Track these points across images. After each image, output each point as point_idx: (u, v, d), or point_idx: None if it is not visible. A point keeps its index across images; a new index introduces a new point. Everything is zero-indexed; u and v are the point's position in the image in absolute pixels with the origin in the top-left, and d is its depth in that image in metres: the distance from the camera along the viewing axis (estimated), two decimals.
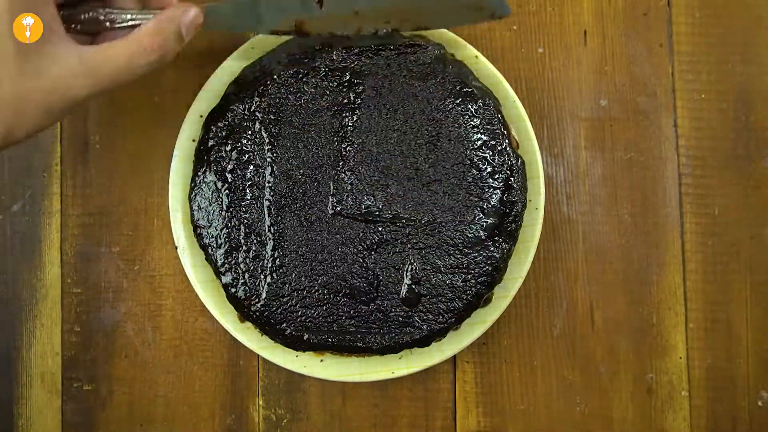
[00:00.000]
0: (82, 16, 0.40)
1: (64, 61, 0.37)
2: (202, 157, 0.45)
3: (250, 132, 0.45)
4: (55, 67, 0.36)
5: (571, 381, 0.49)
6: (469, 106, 0.44)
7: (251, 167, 0.45)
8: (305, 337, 0.43)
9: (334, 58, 0.45)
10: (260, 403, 0.49)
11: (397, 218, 0.44)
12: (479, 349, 0.49)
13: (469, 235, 0.44)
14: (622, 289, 0.50)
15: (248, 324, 0.45)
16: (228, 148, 0.45)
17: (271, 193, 0.44)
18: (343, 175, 0.44)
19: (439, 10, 0.44)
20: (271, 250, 0.44)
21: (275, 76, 0.45)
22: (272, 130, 0.45)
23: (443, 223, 0.44)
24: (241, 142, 0.45)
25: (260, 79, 0.45)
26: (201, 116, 0.47)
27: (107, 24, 0.40)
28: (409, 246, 0.44)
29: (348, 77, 0.45)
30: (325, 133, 0.45)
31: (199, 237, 0.45)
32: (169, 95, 0.50)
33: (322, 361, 0.46)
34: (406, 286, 0.43)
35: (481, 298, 0.44)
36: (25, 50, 0.36)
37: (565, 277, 0.50)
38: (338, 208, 0.44)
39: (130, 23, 0.40)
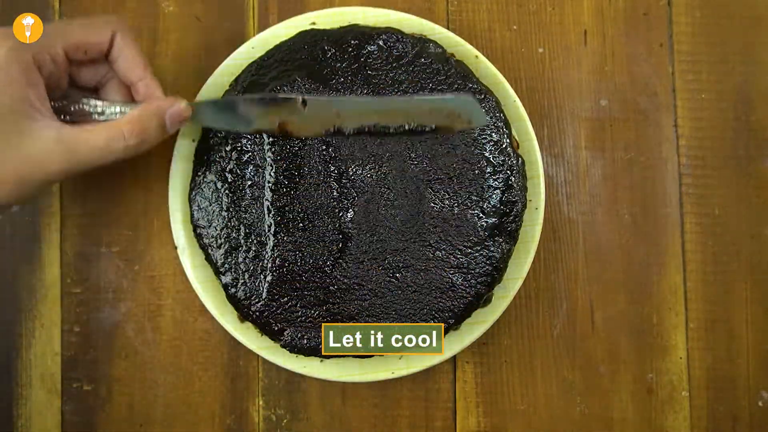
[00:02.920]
0: (72, 107, 0.41)
1: (42, 137, 0.37)
2: (202, 157, 0.45)
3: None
4: (32, 143, 0.37)
5: (571, 381, 0.49)
6: None
7: (251, 167, 0.45)
8: (305, 341, 0.43)
9: (335, 56, 0.45)
10: (260, 403, 0.49)
11: (397, 216, 0.44)
12: (479, 349, 0.49)
13: (470, 235, 0.44)
14: (622, 289, 0.50)
15: (248, 324, 0.45)
16: (228, 148, 0.45)
17: (271, 193, 0.44)
18: (344, 174, 0.44)
19: (419, 114, 0.43)
20: (271, 250, 0.44)
21: (276, 75, 0.45)
22: None
23: (443, 223, 0.44)
24: (241, 142, 0.45)
25: (260, 79, 0.45)
26: None
27: (95, 116, 0.41)
28: (410, 245, 0.44)
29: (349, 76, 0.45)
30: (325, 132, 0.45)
31: (199, 237, 0.45)
32: (169, 95, 0.50)
33: (322, 361, 0.45)
34: (406, 286, 0.44)
35: (481, 298, 0.44)
36: (7, 125, 0.36)
37: (565, 277, 0.50)
38: (339, 208, 0.44)
39: (118, 116, 0.41)
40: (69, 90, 0.42)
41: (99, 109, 0.41)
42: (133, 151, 0.40)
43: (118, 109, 0.41)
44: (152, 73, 0.42)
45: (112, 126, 0.39)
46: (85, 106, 0.41)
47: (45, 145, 0.37)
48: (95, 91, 0.43)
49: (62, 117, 0.40)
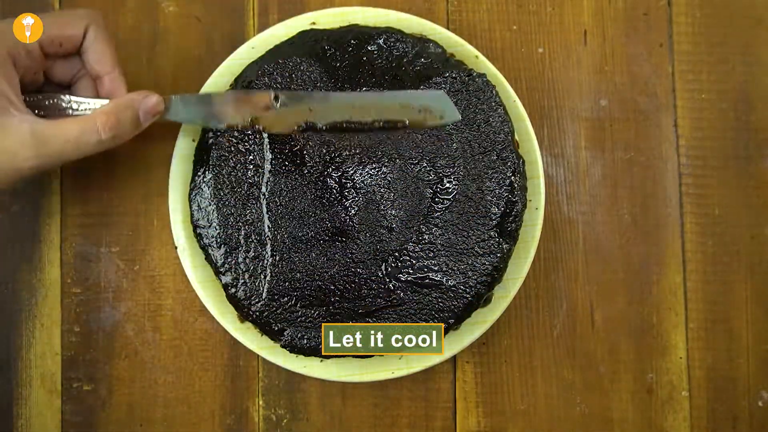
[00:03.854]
0: (46, 102, 0.40)
1: (16, 131, 0.37)
2: (202, 157, 0.45)
3: (250, 132, 0.45)
4: (6, 137, 0.37)
5: (571, 381, 0.49)
6: (473, 105, 0.44)
7: (251, 167, 0.45)
8: (305, 341, 0.43)
9: (335, 56, 0.45)
10: (260, 403, 0.49)
11: (397, 216, 0.44)
12: (479, 349, 0.49)
13: (470, 235, 0.44)
14: (622, 289, 0.50)
15: (248, 324, 0.45)
16: (228, 148, 0.45)
17: (271, 193, 0.44)
18: (344, 174, 0.44)
19: (393, 109, 0.42)
20: (271, 250, 0.44)
21: (275, 75, 0.45)
22: None
23: (444, 223, 0.44)
24: (241, 142, 0.45)
25: (260, 79, 0.45)
26: None
27: (70, 111, 0.41)
28: (410, 245, 0.44)
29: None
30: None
31: (199, 237, 0.45)
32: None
33: (322, 361, 0.45)
34: (406, 286, 0.44)
35: (481, 298, 0.44)
36: None
37: (565, 277, 0.50)
38: (339, 208, 0.44)
39: (92, 111, 0.41)
40: (44, 85, 0.42)
41: (73, 105, 0.41)
42: (107, 144, 0.40)
43: (91, 104, 0.41)
44: (120, 70, 0.42)
45: (86, 119, 0.39)
46: (58, 101, 0.41)
47: (18, 139, 0.37)
48: (69, 88, 0.43)
49: (36, 112, 0.40)
